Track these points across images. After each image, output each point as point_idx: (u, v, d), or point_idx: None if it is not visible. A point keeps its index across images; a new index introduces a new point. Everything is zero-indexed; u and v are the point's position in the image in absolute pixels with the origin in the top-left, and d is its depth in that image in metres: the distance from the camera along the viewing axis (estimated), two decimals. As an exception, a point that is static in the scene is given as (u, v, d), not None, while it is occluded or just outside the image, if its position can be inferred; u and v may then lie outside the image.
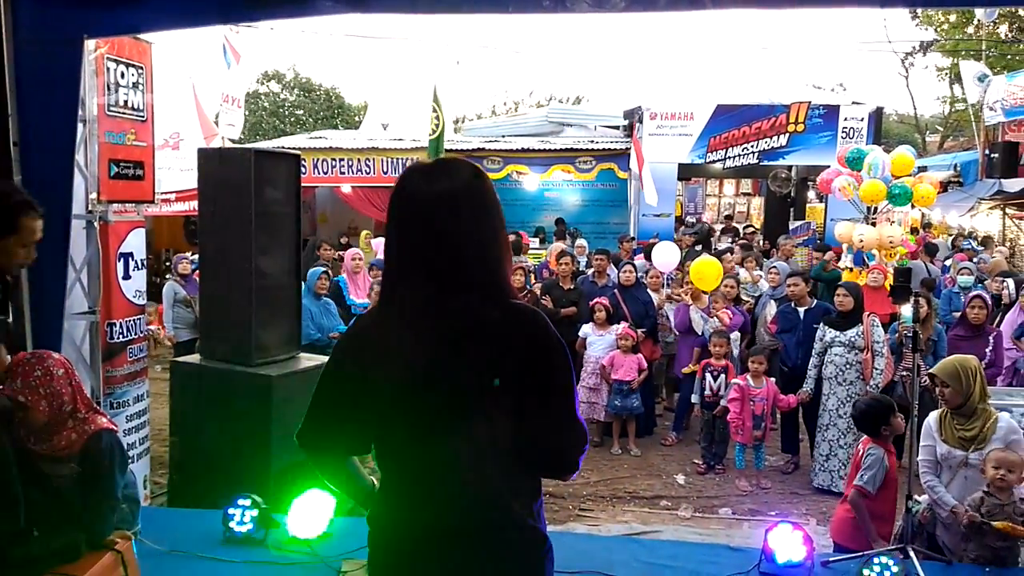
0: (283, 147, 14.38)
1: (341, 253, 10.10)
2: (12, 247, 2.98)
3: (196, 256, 7.80)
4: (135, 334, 4.71)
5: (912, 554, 3.67)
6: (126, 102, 4.57)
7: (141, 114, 4.67)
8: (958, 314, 7.32)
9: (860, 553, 3.81)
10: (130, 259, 4.64)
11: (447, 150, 12.72)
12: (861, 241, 9.17)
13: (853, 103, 13.62)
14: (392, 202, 1.79)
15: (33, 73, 4.14)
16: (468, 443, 1.69)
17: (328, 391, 1.80)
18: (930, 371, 4.07)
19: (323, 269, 7.20)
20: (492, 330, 1.71)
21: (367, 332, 1.83)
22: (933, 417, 4.08)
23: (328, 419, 1.81)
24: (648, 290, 8.01)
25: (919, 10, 21.59)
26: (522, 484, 1.78)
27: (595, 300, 7.36)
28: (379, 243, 11.82)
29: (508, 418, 1.70)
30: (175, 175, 11.66)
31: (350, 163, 14.88)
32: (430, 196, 1.73)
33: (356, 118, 31.31)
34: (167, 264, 11.87)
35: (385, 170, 14.76)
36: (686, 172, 14.96)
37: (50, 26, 4.11)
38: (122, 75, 4.56)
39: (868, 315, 6.29)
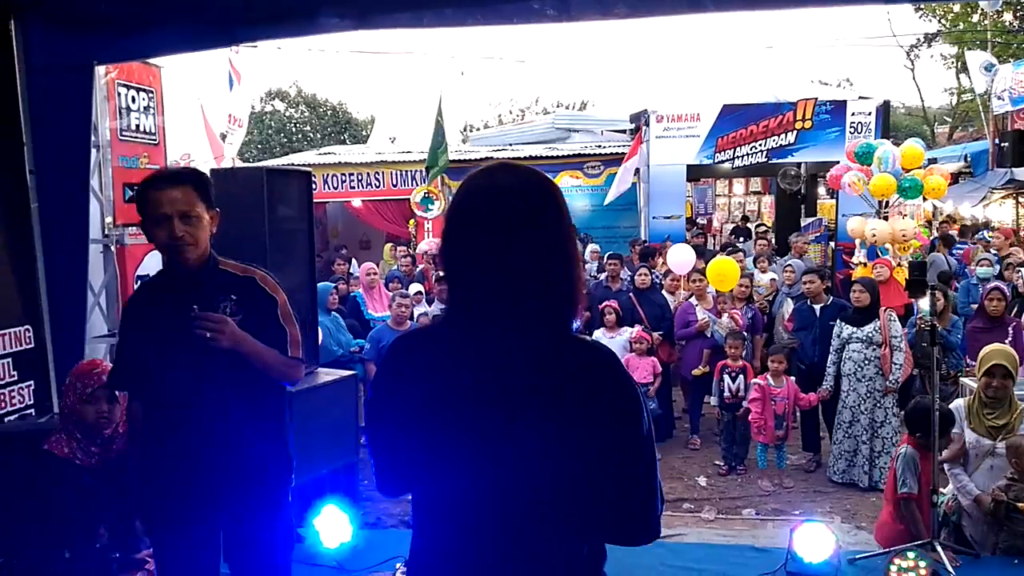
0: (293, 164, 14.50)
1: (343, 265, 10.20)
2: (150, 229, 2.51)
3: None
4: (154, 355, 4.75)
5: (939, 548, 3.64)
6: (138, 126, 4.63)
7: (153, 137, 4.73)
8: (977, 306, 7.28)
9: (887, 550, 3.79)
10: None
11: (451, 161, 12.77)
12: (874, 236, 9.13)
13: (860, 98, 13.55)
14: (452, 204, 1.57)
15: (46, 101, 4.20)
16: (516, 494, 1.45)
17: (384, 426, 1.57)
18: (995, 362, 4.02)
19: (333, 285, 7.24)
20: (555, 363, 1.46)
21: (409, 355, 1.58)
22: (960, 404, 4.06)
23: (396, 459, 1.56)
24: (664, 292, 8.01)
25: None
26: (582, 545, 1.52)
27: (604, 303, 7.36)
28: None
29: (566, 469, 1.44)
30: (187, 196, 11.72)
31: (359, 177, 14.96)
32: (492, 191, 1.50)
33: (363, 132, 31.51)
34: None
35: (394, 183, 14.83)
36: (695, 173, 14.92)
37: (60, 54, 4.16)
38: (133, 100, 4.62)
39: (885, 310, 6.27)
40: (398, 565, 3.49)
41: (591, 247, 11.36)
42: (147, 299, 2.62)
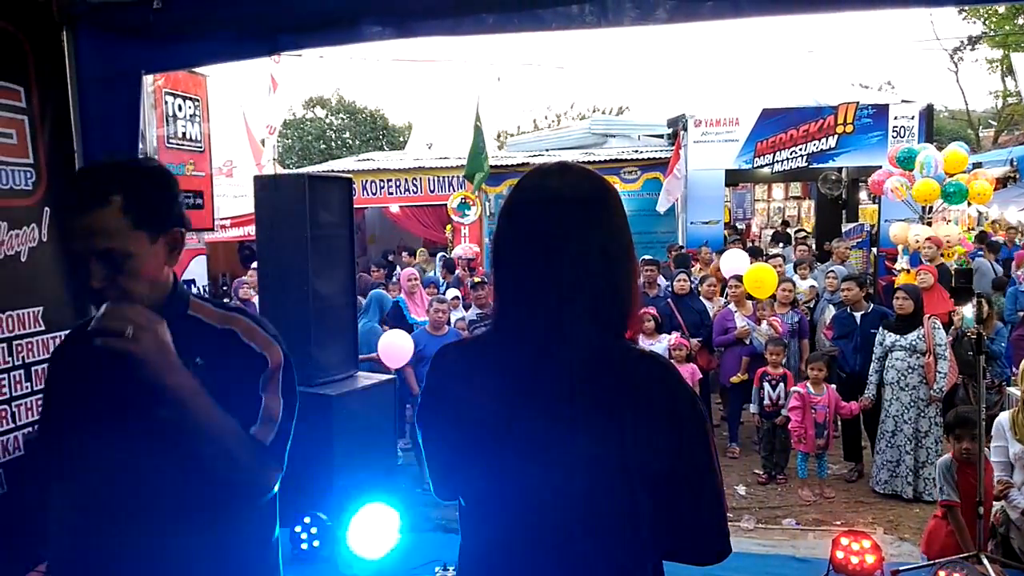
0: (333, 170, 14.68)
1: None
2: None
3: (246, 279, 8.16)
4: (199, 358, 4.84)
5: (986, 561, 3.57)
6: (184, 134, 4.72)
7: (199, 145, 4.82)
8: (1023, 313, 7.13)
9: (931, 562, 3.73)
10: (192, 285, 4.77)
11: (492, 167, 12.83)
12: (917, 242, 8.98)
13: (903, 101, 13.37)
14: (506, 204, 1.47)
15: (95, 109, 4.28)
16: (574, 520, 1.37)
17: (435, 436, 1.53)
18: None
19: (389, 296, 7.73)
20: (608, 372, 1.39)
21: (456, 364, 1.52)
22: (1005, 417, 3.99)
23: (448, 468, 1.52)
24: (702, 299, 7.96)
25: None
26: (640, 563, 1.44)
27: (643, 309, 7.32)
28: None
29: (626, 483, 1.37)
30: (229, 201, 12.00)
31: (397, 183, 15.12)
32: (544, 193, 1.42)
33: (401, 138, 31.77)
34: (224, 288, 12.16)
35: (432, 189, 14.97)
36: (733, 178, 14.83)
37: (110, 63, 4.25)
38: (179, 108, 4.71)
39: (929, 318, 6.16)
40: (437, 569, 3.51)
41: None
42: (72, 359, 1.77)
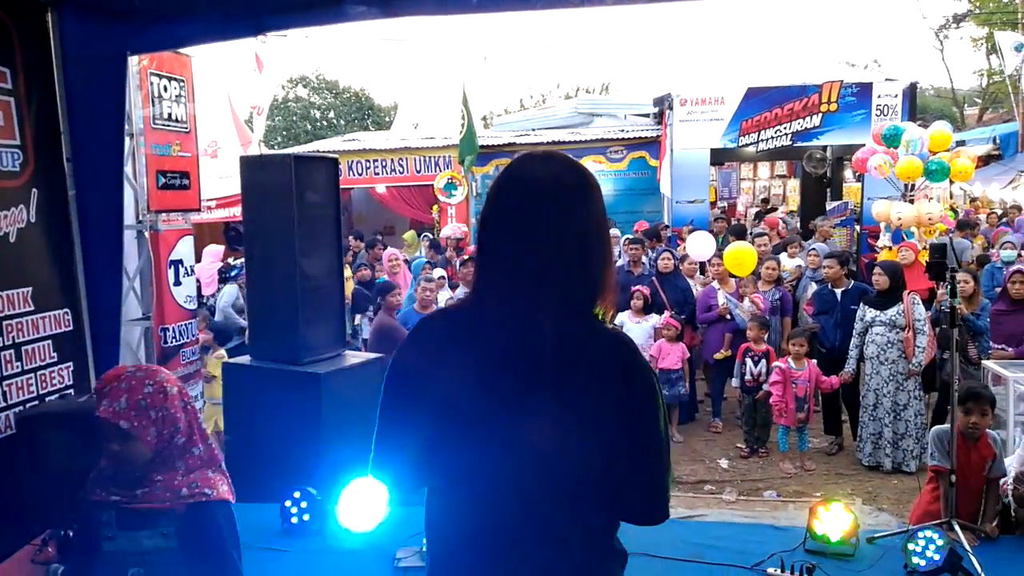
0: (319, 151, 14.66)
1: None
2: None
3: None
4: (187, 338, 4.88)
5: (957, 527, 3.68)
6: (170, 115, 4.73)
7: (184, 126, 4.83)
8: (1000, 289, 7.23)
9: (904, 529, 3.83)
10: (180, 266, 4.81)
11: (481, 147, 12.84)
12: (899, 219, 9.09)
13: (887, 80, 13.43)
14: (493, 188, 1.57)
15: (81, 90, 4.30)
16: (535, 473, 1.46)
17: (404, 402, 1.60)
18: None
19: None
20: (575, 347, 1.49)
21: (433, 333, 1.62)
22: None
23: (399, 447, 1.62)
24: (686, 276, 8.04)
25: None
26: (596, 521, 1.56)
27: (635, 288, 7.40)
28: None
29: (585, 449, 1.47)
30: (214, 182, 11.97)
31: (384, 163, 15.09)
32: (533, 181, 1.51)
33: (386, 118, 31.62)
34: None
35: (418, 169, 14.95)
36: (719, 157, 14.87)
37: (95, 44, 4.26)
38: (165, 89, 4.72)
39: (908, 293, 6.27)
40: (424, 541, 3.59)
41: (612, 232, 11.40)
42: None
